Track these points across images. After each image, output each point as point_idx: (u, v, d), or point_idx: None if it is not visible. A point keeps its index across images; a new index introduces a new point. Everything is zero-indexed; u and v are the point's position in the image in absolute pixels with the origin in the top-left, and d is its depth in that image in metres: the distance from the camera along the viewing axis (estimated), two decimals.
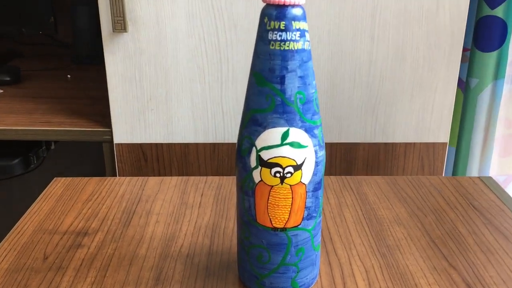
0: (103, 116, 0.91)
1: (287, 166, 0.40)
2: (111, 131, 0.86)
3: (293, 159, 0.40)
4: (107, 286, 0.46)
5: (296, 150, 0.40)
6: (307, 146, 0.40)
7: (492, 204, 0.61)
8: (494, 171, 0.96)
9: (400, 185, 0.66)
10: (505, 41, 0.87)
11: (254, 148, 0.41)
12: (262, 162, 0.40)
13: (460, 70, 0.83)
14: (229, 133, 0.85)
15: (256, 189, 0.41)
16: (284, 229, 0.42)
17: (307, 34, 0.39)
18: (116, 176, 0.89)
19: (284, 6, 0.38)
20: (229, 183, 0.66)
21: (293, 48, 0.39)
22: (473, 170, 0.92)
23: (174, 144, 0.86)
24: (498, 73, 0.88)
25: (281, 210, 0.42)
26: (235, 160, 0.44)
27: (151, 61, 0.81)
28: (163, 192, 0.64)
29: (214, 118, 0.85)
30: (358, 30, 0.80)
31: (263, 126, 0.40)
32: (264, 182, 0.41)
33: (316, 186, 0.42)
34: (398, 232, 0.55)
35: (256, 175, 0.41)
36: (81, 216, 0.58)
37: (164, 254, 0.51)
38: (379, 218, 0.58)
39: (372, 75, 0.83)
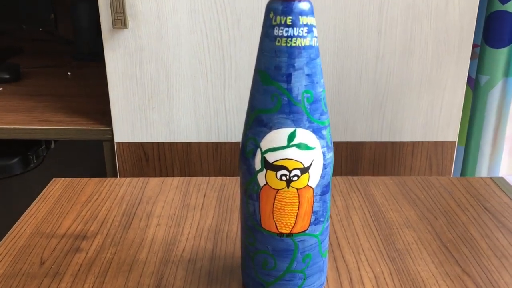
0: (103, 114, 0.89)
1: (293, 169, 0.38)
2: (112, 130, 0.84)
3: (300, 162, 0.38)
4: None
5: (303, 152, 0.38)
6: (314, 148, 0.38)
7: (505, 206, 0.59)
8: (504, 171, 0.94)
9: (409, 186, 0.64)
10: None
11: (259, 150, 0.39)
12: (267, 165, 0.38)
13: (469, 67, 0.81)
14: (232, 132, 0.83)
15: (261, 193, 0.39)
16: (290, 235, 0.40)
17: (314, 30, 0.37)
18: (117, 176, 0.87)
19: (290, 0, 0.36)
20: (232, 184, 0.64)
21: (300, 45, 0.36)
22: (483, 170, 0.90)
23: (176, 143, 0.84)
24: (509, 70, 0.86)
25: (287, 214, 0.40)
26: (238, 162, 0.42)
27: (152, 58, 0.79)
28: (164, 193, 0.62)
29: (216, 116, 0.83)
30: (364, 26, 0.78)
31: (268, 126, 0.38)
32: (270, 186, 0.39)
33: (324, 190, 0.40)
34: (408, 236, 0.53)
35: (261, 178, 0.39)
36: (80, 218, 0.56)
37: (165, 259, 0.49)
38: (388, 221, 0.56)
39: (379, 72, 0.81)
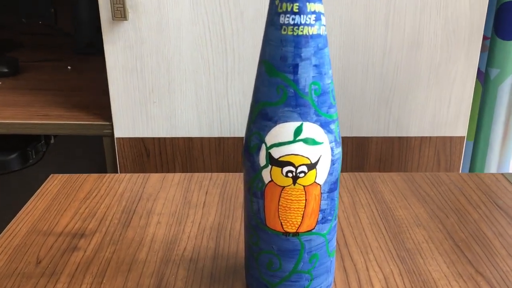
0: (103, 109, 0.87)
1: (300, 165, 0.36)
2: (112, 125, 0.82)
3: (307, 157, 0.36)
4: None
5: (310, 147, 0.36)
6: (322, 143, 0.36)
7: None
8: None
9: (418, 183, 0.62)
10: None
11: (263, 145, 0.37)
12: (272, 161, 0.36)
13: (479, 60, 0.79)
14: (235, 127, 0.81)
15: (266, 190, 0.37)
16: (296, 234, 0.38)
17: (323, 18, 0.35)
18: (117, 172, 0.85)
19: None
20: (236, 180, 0.62)
21: (307, 33, 0.34)
22: (492, 166, 0.88)
23: (178, 138, 0.82)
24: None
25: (293, 213, 0.38)
26: (242, 158, 0.40)
27: (152, 51, 0.77)
28: (165, 190, 0.60)
29: (219, 111, 0.80)
30: (371, 17, 0.76)
31: (273, 120, 0.36)
32: (275, 183, 0.37)
33: (332, 187, 0.38)
34: (418, 235, 0.51)
35: (266, 175, 0.37)
36: (78, 216, 0.54)
37: (166, 259, 0.47)
38: (396, 218, 0.54)
39: (386, 65, 0.78)
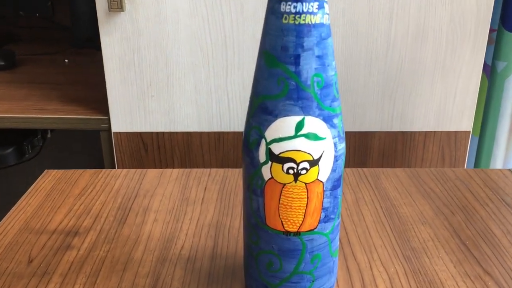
0: (101, 103, 0.85)
1: (302, 161, 0.34)
2: (109, 119, 0.80)
3: (309, 153, 0.34)
4: None
5: (313, 143, 0.34)
6: (325, 138, 0.35)
7: None
8: None
9: (423, 179, 0.60)
10: None
11: (263, 140, 0.35)
12: (272, 157, 0.35)
13: (485, 53, 0.77)
14: (235, 121, 0.80)
15: (266, 188, 0.36)
16: (297, 233, 0.37)
17: (326, 6, 0.33)
18: (115, 167, 0.84)
19: None
20: (235, 176, 0.60)
21: (309, 22, 0.32)
22: (498, 161, 0.86)
23: (176, 132, 0.80)
24: None
25: (294, 211, 0.36)
26: (241, 154, 0.38)
27: (150, 43, 0.75)
28: (162, 186, 0.58)
29: (218, 105, 0.79)
30: (375, 8, 0.74)
31: (274, 114, 0.34)
32: (275, 180, 0.35)
33: (335, 184, 0.37)
34: (423, 233, 0.49)
35: (266, 172, 0.35)
36: (72, 213, 0.53)
37: (162, 258, 0.46)
38: (401, 216, 0.52)
39: (390, 58, 0.76)
